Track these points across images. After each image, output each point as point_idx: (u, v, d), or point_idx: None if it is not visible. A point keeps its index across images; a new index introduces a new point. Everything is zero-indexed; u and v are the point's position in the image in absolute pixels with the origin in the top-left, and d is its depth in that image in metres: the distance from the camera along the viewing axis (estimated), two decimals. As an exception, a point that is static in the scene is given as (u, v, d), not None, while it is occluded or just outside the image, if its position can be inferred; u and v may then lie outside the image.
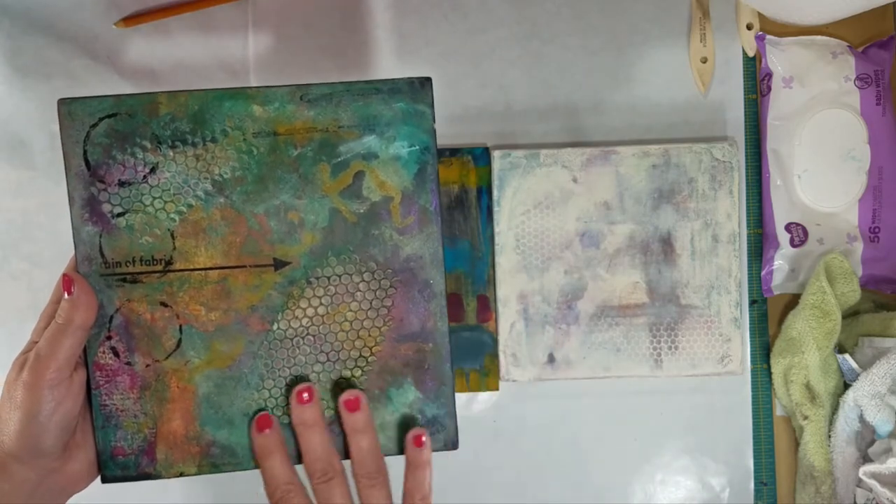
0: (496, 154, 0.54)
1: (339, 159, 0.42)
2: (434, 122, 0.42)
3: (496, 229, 0.54)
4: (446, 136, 0.55)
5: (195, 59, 0.55)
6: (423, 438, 0.42)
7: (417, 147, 0.42)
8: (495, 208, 0.54)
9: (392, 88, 0.42)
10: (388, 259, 0.43)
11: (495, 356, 0.55)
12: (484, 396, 0.57)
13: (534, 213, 0.54)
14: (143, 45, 0.55)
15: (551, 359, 0.55)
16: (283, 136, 0.41)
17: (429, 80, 0.42)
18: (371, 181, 0.42)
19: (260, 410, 0.42)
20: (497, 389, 0.56)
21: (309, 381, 0.42)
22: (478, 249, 0.55)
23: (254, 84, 0.56)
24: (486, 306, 0.55)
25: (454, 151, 0.55)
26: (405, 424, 0.44)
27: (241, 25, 0.56)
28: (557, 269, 0.55)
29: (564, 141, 0.56)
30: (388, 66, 0.56)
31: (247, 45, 0.56)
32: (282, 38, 0.56)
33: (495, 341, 0.55)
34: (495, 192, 0.54)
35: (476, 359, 0.55)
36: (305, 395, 0.41)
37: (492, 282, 0.55)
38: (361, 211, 0.42)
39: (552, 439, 0.57)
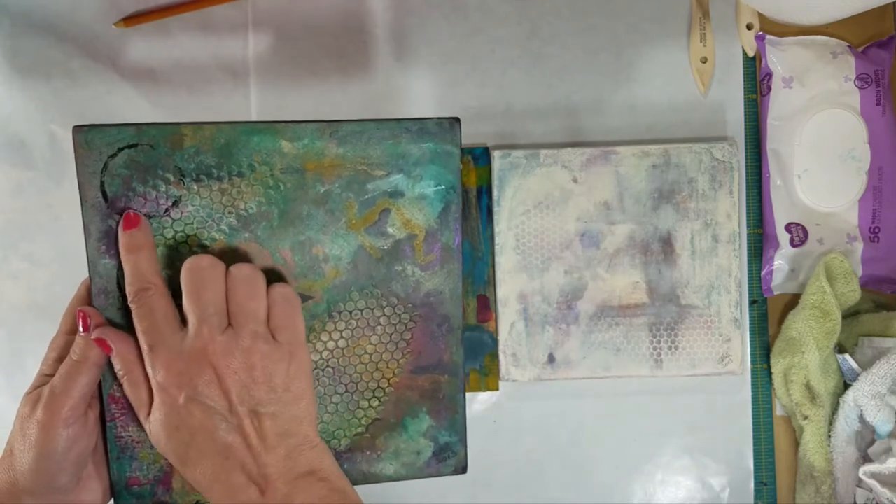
0: (496, 154, 0.54)
1: (366, 196, 0.42)
2: (461, 162, 0.43)
3: (496, 229, 0.54)
4: (446, 136, 0.55)
5: (195, 59, 0.55)
6: (133, 216, 0.39)
7: (443, 186, 0.43)
8: (495, 208, 0.54)
9: (421, 128, 0.42)
10: (409, 294, 0.43)
11: (495, 356, 0.55)
12: (484, 396, 0.57)
13: (534, 213, 0.54)
14: (143, 45, 0.55)
15: (551, 359, 0.55)
16: (311, 173, 0.41)
17: (457, 120, 0.42)
18: (396, 219, 0.42)
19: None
20: (497, 389, 0.56)
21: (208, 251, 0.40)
22: (478, 249, 0.55)
23: (253, 84, 0.56)
24: (486, 306, 0.55)
25: (454, 151, 0.55)
26: (417, 451, 0.44)
27: (241, 25, 0.56)
28: (557, 269, 0.55)
29: (564, 141, 0.56)
30: (389, 66, 0.56)
31: (247, 45, 0.56)
32: (282, 38, 0.56)
33: (495, 341, 0.55)
34: (495, 192, 0.54)
35: (476, 359, 0.55)
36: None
37: (492, 282, 0.55)
38: (385, 247, 0.42)
39: (552, 439, 0.57)
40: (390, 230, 0.42)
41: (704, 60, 0.56)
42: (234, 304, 0.38)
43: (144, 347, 0.38)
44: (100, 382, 0.40)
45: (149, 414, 0.38)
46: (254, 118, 0.55)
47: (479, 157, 0.55)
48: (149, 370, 0.38)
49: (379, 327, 0.43)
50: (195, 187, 0.40)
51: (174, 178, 0.40)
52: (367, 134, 0.41)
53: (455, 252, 0.43)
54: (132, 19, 0.55)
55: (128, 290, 0.39)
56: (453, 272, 0.43)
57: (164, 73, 0.55)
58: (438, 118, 0.42)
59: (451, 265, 0.43)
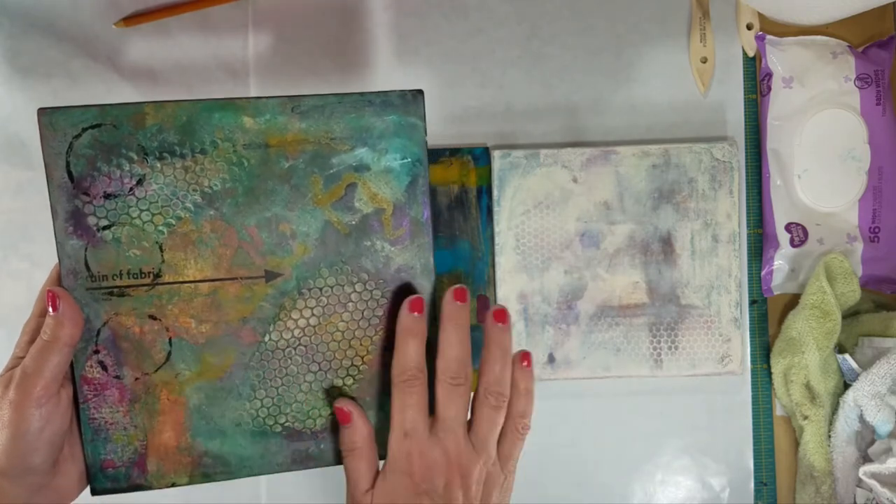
0: (496, 154, 0.54)
1: (331, 171, 0.42)
2: (426, 134, 0.42)
3: (496, 229, 0.54)
4: (446, 136, 0.55)
5: (195, 59, 0.55)
6: (417, 301, 0.42)
7: (409, 159, 0.42)
8: (495, 208, 0.54)
9: (384, 101, 0.42)
10: (379, 270, 0.42)
11: (495, 356, 0.55)
12: (484, 396, 0.56)
13: (534, 213, 0.54)
14: (143, 45, 0.55)
15: (551, 359, 0.55)
16: (274, 148, 0.41)
17: (421, 92, 0.42)
18: (363, 193, 0.42)
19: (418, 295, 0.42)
20: (497, 389, 0.56)
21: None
22: (478, 249, 0.55)
23: (253, 84, 0.56)
24: (486, 306, 0.55)
25: (454, 151, 0.55)
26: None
27: (241, 25, 0.56)
28: (557, 269, 0.55)
29: (564, 141, 0.56)
30: (388, 66, 0.56)
31: (247, 45, 0.56)
32: (282, 38, 0.56)
33: (495, 341, 0.55)
34: (495, 192, 0.54)
35: (476, 359, 0.55)
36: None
37: (492, 282, 0.55)
38: (353, 222, 0.42)
39: (552, 439, 0.57)
40: (357, 205, 0.42)
41: (704, 60, 0.56)
42: (480, 431, 0.42)
43: (399, 430, 0.40)
44: (72, 364, 0.40)
45: (370, 488, 0.40)
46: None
47: (479, 157, 0.55)
48: (399, 454, 0.40)
49: (350, 304, 0.42)
50: (158, 165, 0.40)
51: (137, 156, 0.40)
52: (330, 108, 0.41)
53: (424, 226, 0.43)
54: (132, 19, 0.55)
55: (396, 370, 0.41)
56: (424, 246, 0.43)
57: (164, 73, 0.55)
58: (402, 90, 0.42)
59: (421, 239, 0.43)
